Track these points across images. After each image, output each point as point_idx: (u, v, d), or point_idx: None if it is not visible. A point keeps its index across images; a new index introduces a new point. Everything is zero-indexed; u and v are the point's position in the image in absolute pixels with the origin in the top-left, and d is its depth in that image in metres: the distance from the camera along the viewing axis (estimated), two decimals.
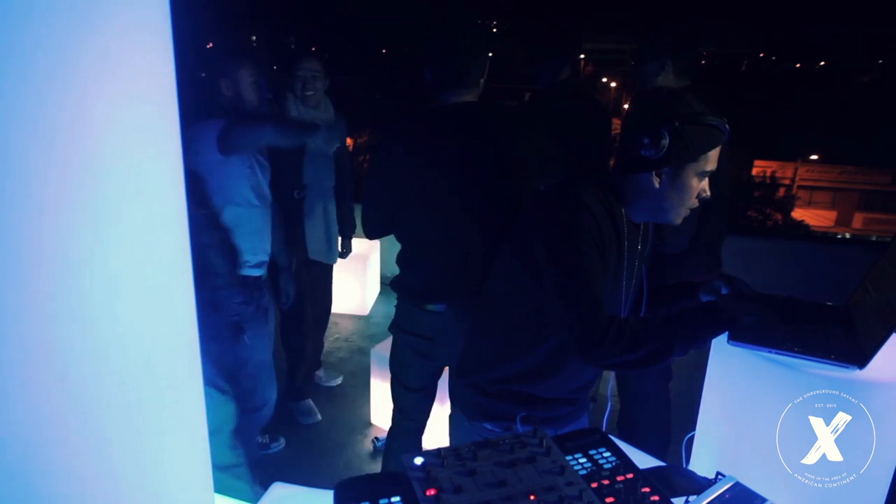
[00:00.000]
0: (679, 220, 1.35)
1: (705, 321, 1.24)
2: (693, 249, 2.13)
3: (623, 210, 1.34)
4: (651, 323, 1.24)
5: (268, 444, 2.77)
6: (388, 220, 1.96)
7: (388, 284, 2.04)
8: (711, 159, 1.27)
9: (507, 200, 1.86)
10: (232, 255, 2.09)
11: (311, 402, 3.07)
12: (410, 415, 2.12)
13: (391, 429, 2.16)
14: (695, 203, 1.32)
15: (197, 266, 2.09)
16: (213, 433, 2.27)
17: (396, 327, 2.03)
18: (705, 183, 1.30)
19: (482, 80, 1.87)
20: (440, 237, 1.87)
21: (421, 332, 1.97)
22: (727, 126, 1.25)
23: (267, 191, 2.15)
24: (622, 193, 1.34)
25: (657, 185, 1.29)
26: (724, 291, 1.43)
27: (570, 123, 2.48)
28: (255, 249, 2.15)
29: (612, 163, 1.51)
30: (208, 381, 2.18)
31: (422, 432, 2.17)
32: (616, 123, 2.44)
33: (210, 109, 2.05)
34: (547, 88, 2.64)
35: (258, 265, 2.17)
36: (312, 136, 2.18)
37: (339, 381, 3.37)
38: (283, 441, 2.82)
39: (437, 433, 2.55)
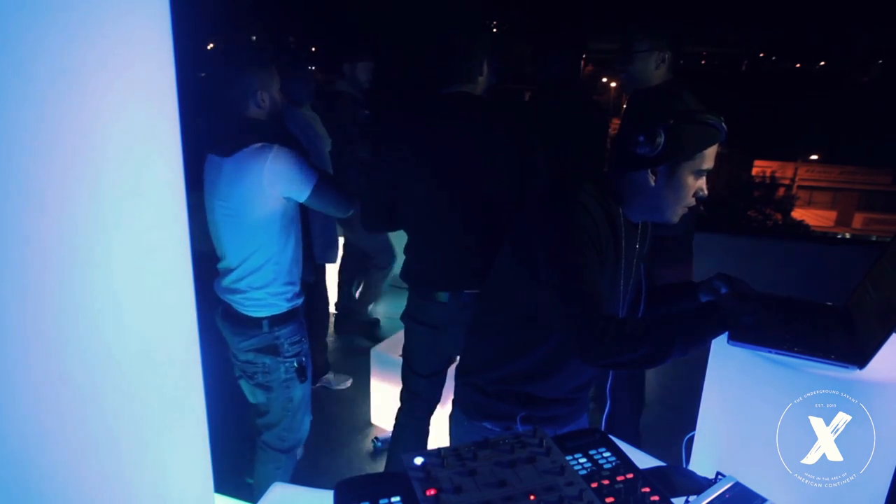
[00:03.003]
0: (676, 219, 1.35)
1: (705, 321, 1.24)
2: (665, 243, 2.14)
3: (621, 210, 1.35)
4: (651, 323, 1.24)
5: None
6: (386, 212, 2.00)
7: (399, 274, 2.08)
8: (708, 157, 1.28)
9: (501, 191, 1.91)
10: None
11: None
12: (423, 395, 2.18)
13: (401, 409, 2.21)
14: (692, 202, 1.32)
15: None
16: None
17: (408, 317, 2.08)
18: (702, 182, 1.31)
19: (481, 78, 1.94)
20: (436, 225, 1.93)
21: (429, 321, 2.02)
22: (724, 125, 1.25)
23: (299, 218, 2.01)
24: (619, 192, 1.34)
25: (653, 184, 1.29)
26: (723, 291, 1.43)
27: (567, 125, 2.48)
28: (296, 277, 2.00)
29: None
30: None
31: (431, 412, 2.22)
32: (616, 123, 2.45)
33: (236, 125, 1.89)
34: (547, 88, 2.64)
35: (300, 293, 2.03)
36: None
37: (348, 383, 3.33)
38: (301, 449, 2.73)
39: (437, 433, 2.55)
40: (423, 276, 2.00)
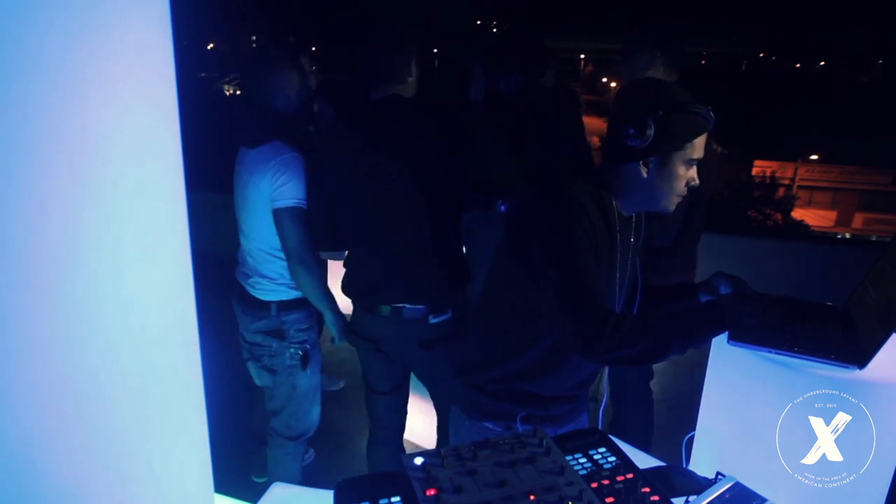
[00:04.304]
0: (672, 208, 1.36)
1: (705, 320, 1.24)
2: (670, 249, 2.14)
3: (614, 203, 1.35)
4: (651, 319, 1.24)
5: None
6: (327, 229, 1.91)
7: (340, 288, 2.01)
8: (697, 147, 1.29)
9: (441, 198, 1.84)
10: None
11: None
12: (383, 421, 2.10)
13: (368, 440, 2.14)
14: (684, 191, 1.33)
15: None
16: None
17: (352, 333, 2.01)
18: (693, 171, 1.32)
19: (411, 79, 1.87)
20: (375, 239, 1.86)
21: (368, 334, 1.95)
22: (712, 114, 1.26)
23: None
24: (613, 185, 1.35)
25: (645, 175, 1.30)
26: (723, 291, 1.43)
27: (528, 133, 2.46)
28: None
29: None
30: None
31: (399, 438, 2.15)
32: None
33: (257, 120, 1.97)
34: (505, 98, 2.62)
35: None
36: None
37: (341, 385, 3.34)
38: (312, 452, 2.74)
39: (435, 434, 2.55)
40: (363, 289, 1.92)
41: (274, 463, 2.21)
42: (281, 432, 2.15)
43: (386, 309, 1.87)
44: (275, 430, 2.16)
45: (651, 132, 1.23)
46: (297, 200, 1.88)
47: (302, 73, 2.03)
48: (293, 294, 2.02)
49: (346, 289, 1.97)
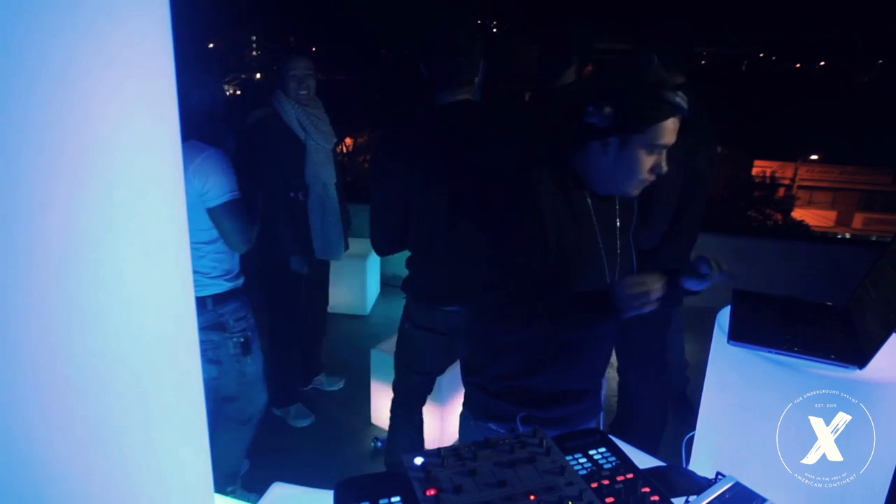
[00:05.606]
0: (634, 193, 1.33)
1: (594, 309, 1.26)
2: (664, 247, 2.13)
3: (586, 185, 1.34)
4: (543, 306, 1.27)
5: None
6: (400, 235, 1.95)
7: (400, 286, 2.05)
8: (662, 133, 1.22)
9: None
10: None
11: (301, 404, 3.05)
12: (415, 394, 2.20)
13: (395, 400, 2.22)
14: (648, 177, 1.29)
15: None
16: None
17: (412, 324, 2.05)
18: (661, 158, 1.27)
19: (477, 79, 1.87)
20: (447, 240, 1.87)
21: (439, 329, 2.00)
22: (682, 101, 1.20)
23: None
24: (578, 165, 1.32)
25: (605, 156, 1.27)
26: (704, 271, 1.38)
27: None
28: (235, 261, 2.14)
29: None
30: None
31: (424, 402, 2.26)
32: None
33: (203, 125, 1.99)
34: (549, 90, 2.63)
35: (239, 275, 2.17)
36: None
37: (340, 385, 3.34)
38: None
39: (438, 433, 2.55)
40: (431, 289, 1.96)
41: (219, 449, 2.25)
42: (234, 417, 2.24)
43: (455, 307, 1.93)
44: (227, 417, 2.25)
45: (609, 110, 1.20)
46: (228, 195, 1.94)
47: (211, 75, 2.03)
48: (226, 286, 2.09)
49: (412, 289, 2.01)
